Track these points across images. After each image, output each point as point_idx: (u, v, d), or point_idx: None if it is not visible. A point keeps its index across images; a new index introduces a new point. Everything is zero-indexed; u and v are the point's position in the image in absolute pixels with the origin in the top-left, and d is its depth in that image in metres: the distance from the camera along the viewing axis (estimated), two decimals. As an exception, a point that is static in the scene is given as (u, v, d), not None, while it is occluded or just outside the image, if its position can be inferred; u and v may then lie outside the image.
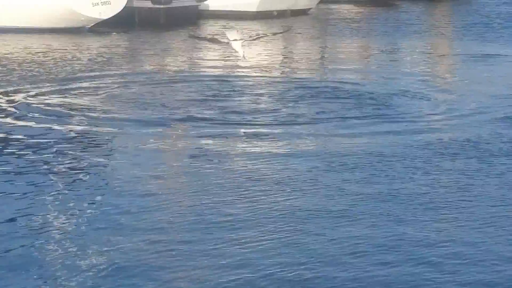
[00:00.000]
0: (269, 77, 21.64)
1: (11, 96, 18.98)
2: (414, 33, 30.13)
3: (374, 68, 24.17)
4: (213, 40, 18.29)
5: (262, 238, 10.15)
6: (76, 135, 15.75)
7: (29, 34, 27.61)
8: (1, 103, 18.43)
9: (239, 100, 18.21)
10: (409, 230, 10.45)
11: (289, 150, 14.95)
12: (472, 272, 9.27)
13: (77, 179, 13.07)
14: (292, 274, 9.03)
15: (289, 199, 11.41)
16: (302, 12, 32.87)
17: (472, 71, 22.80)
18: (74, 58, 23.84)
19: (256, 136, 15.43)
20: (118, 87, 19.64)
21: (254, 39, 17.67)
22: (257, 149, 14.57)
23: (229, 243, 9.90)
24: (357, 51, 26.91)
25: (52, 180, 12.99)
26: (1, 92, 19.37)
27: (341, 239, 10.18)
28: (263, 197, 11.44)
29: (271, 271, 9.02)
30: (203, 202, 11.60)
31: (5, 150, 14.40)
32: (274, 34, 18.26)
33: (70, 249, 9.85)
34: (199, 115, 16.80)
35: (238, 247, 9.66)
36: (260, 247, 9.78)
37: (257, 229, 10.41)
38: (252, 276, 9.06)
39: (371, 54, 26.57)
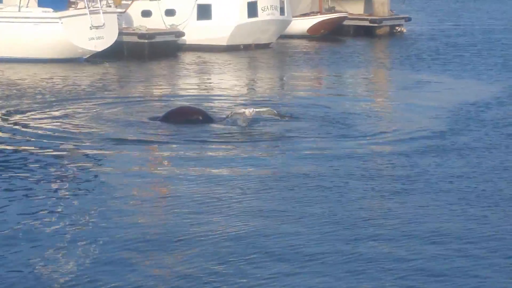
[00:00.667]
0: (238, 100, 21.54)
1: (18, 115, 19.14)
2: (358, 63, 30.05)
3: (324, 92, 24.42)
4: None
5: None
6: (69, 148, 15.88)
7: (34, 64, 27.33)
8: (8, 120, 18.52)
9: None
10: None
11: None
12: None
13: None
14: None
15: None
16: (265, 46, 32.83)
17: (406, 95, 22.86)
18: (73, 83, 24.07)
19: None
20: (108, 108, 19.72)
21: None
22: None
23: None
24: (310, 78, 27.12)
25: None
26: (11, 110, 19.62)
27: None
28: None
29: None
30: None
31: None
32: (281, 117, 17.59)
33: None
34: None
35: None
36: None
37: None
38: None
39: (321, 81, 26.80)
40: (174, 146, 15.98)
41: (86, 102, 21.11)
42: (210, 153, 15.62)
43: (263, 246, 10.26)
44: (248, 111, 16.90)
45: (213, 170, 14.15)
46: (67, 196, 12.69)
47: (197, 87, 25.17)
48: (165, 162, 15.02)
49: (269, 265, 9.62)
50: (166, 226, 11.12)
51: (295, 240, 10.62)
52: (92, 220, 11.52)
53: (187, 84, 25.36)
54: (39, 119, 18.73)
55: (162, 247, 10.20)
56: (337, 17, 38.07)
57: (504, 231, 11.37)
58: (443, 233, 11.09)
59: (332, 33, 37.73)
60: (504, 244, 10.82)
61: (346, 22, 38.35)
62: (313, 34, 37.16)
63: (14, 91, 22.98)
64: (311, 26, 37.27)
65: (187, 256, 9.89)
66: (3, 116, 19.08)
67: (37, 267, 9.51)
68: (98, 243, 10.45)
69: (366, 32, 38.51)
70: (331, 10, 38.82)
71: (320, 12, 37.98)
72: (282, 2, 33.01)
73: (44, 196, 12.56)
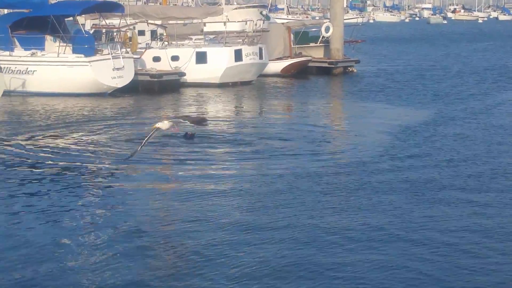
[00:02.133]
0: (224, 126, 21.77)
1: (57, 134, 19.45)
2: (320, 95, 30.26)
3: (294, 118, 24.62)
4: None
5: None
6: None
7: (69, 97, 27.26)
8: (45, 138, 18.89)
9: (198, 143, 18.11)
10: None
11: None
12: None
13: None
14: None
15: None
16: (248, 83, 33.06)
17: (356, 120, 23.06)
18: (101, 112, 24.23)
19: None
20: (125, 131, 20.08)
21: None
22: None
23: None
24: (282, 107, 27.45)
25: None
26: (49, 134, 19.73)
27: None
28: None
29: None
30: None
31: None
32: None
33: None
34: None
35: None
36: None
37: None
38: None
39: (292, 109, 27.06)
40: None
41: (110, 124, 21.56)
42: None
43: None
44: (165, 123, 14.86)
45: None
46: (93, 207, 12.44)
47: (195, 113, 25.46)
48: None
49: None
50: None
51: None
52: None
53: (188, 111, 25.64)
54: (72, 137, 19.10)
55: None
56: (304, 60, 38.35)
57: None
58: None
59: (300, 72, 37.89)
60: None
61: (310, 64, 38.54)
62: (285, 73, 37.39)
63: (54, 116, 23.28)
64: (284, 67, 37.50)
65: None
66: (41, 136, 19.35)
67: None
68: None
69: (325, 72, 38.64)
70: (299, 55, 39.06)
71: (290, 57, 38.16)
72: (260, 49, 33.24)
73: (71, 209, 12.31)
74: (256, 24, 33.67)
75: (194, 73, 31.54)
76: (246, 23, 33.67)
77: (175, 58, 31.94)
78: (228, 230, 11.08)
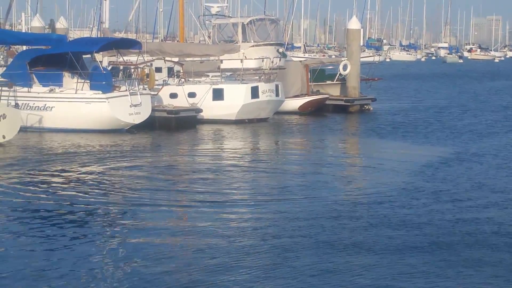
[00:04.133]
0: (244, 157, 22.41)
1: (77, 169, 19.73)
2: (336, 133, 30.35)
3: (312, 154, 24.64)
4: None
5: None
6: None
7: (87, 133, 27.17)
8: (65, 173, 19.18)
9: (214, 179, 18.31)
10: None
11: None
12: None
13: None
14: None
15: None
16: (264, 120, 33.03)
17: (375, 159, 22.62)
18: (118, 148, 24.17)
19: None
20: (143, 168, 20.29)
21: None
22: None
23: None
24: (300, 143, 27.42)
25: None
26: (69, 165, 20.29)
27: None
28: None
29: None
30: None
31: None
32: None
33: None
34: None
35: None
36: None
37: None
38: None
39: (308, 146, 26.88)
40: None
41: (128, 161, 21.63)
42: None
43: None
44: None
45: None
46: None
47: (212, 148, 25.75)
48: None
49: None
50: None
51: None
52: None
53: (205, 148, 25.83)
54: (94, 172, 19.22)
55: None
56: (321, 98, 38.34)
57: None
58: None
59: (317, 110, 37.80)
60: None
61: (327, 102, 38.45)
62: (303, 110, 37.36)
63: (74, 151, 23.42)
64: (302, 105, 37.46)
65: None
66: (65, 168, 19.60)
67: None
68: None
69: (342, 110, 38.60)
70: (316, 92, 39.03)
71: (308, 94, 38.10)
72: (277, 86, 33.32)
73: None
74: (272, 62, 33.66)
75: (210, 109, 31.58)
76: (262, 61, 33.68)
77: (192, 94, 31.97)
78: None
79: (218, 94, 31.96)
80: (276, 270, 10.82)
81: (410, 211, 14.78)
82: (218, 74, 33.97)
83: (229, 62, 34.31)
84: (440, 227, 13.56)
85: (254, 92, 32.20)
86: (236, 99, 32.06)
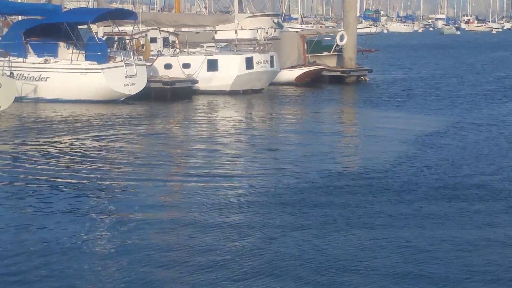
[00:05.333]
0: (236, 131, 22.11)
1: (72, 138, 19.77)
2: (333, 103, 30.26)
3: (308, 123, 24.69)
4: None
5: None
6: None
7: (81, 104, 27.14)
8: (62, 143, 19.27)
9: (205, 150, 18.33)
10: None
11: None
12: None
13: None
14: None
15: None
16: (258, 91, 32.86)
17: (369, 127, 22.98)
18: (113, 118, 24.10)
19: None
20: (135, 137, 20.33)
21: None
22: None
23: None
24: (294, 115, 27.24)
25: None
26: (65, 135, 20.30)
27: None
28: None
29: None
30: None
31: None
32: None
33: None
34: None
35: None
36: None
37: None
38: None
39: (302, 117, 26.79)
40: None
41: (123, 130, 21.62)
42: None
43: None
44: None
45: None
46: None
47: (206, 119, 25.66)
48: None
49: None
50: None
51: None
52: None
53: (199, 118, 25.80)
54: (88, 143, 19.22)
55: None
56: (318, 68, 38.16)
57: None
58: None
59: (313, 81, 37.63)
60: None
61: (323, 73, 38.28)
62: (299, 81, 37.23)
63: (70, 121, 23.37)
64: (298, 75, 37.31)
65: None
66: (60, 139, 19.58)
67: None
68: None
69: (338, 81, 38.47)
70: (313, 63, 38.83)
71: (304, 65, 37.94)
72: (272, 57, 33.14)
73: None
74: (267, 32, 33.49)
75: (205, 80, 31.46)
76: (257, 31, 33.51)
77: (186, 65, 31.84)
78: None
79: (212, 65, 31.84)
80: (271, 244, 10.84)
81: (407, 179, 14.76)
82: (213, 44, 33.82)
83: (224, 32, 34.10)
84: (434, 196, 13.56)
85: (249, 63, 32.04)
86: (230, 70, 31.92)
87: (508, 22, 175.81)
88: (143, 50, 30.53)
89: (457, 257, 10.09)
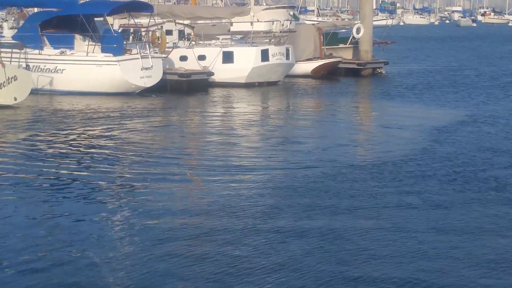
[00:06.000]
0: (252, 123, 22.08)
1: (90, 130, 19.91)
2: (349, 95, 30.11)
3: (324, 115, 24.83)
4: None
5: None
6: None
7: (97, 96, 27.12)
8: (79, 134, 19.40)
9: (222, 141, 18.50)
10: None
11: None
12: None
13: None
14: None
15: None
16: (274, 83, 32.77)
17: (385, 119, 22.93)
18: (129, 110, 24.12)
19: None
20: (152, 129, 20.47)
21: None
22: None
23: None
24: (311, 106, 27.32)
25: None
26: (82, 127, 20.40)
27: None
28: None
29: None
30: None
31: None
32: None
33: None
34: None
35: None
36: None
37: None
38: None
39: (320, 108, 26.94)
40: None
41: (139, 123, 21.66)
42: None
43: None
44: None
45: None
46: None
47: (223, 111, 25.66)
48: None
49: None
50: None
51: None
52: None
53: (215, 111, 25.75)
54: (103, 135, 19.23)
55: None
56: (334, 61, 38.05)
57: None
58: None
59: (329, 73, 37.49)
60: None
61: (339, 65, 38.15)
62: (316, 74, 37.12)
63: (85, 113, 23.35)
64: (314, 68, 37.21)
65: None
66: (75, 131, 19.66)
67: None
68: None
69: (354, 73, 38.29)
70: (329, 56, 38.70)
71: (320, 57, 37.80)
72: (287, 50, 33.04)
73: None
74: (283, 25, 33.36)
75: (220, 72, 31.35)
76: (273, 24, 33.32)
77: (201, 57, 31.75)
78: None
79: (228, 57, 31.74)
80: (288, 236, 10.77)
81: (425, 171, 14.68)
82: (228, 37, 33.67)
83: (239, 25, 33.94)
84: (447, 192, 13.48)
85: (264, 55, 31.91)
86: (246, 62, 31.81)
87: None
88: (159, 42, 30.50)
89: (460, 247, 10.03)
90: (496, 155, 16.84)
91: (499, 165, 15.68)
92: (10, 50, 27.22)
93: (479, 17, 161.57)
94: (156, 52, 29.63)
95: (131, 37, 30.51)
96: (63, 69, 28.36)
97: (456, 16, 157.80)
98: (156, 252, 9.73)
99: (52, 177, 14.14)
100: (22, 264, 9.25)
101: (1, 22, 35.47)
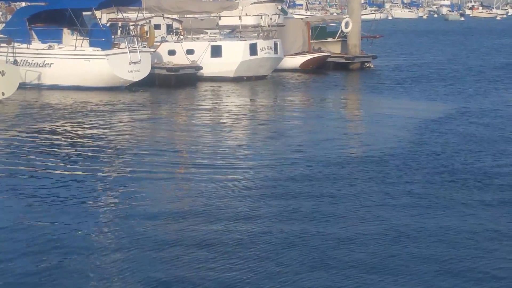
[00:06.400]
0: (240, 118, 22.11)
1: (77, 123, 19.84)
2: (337, 89, 30.12)
3: (312, 108, 24.78)
4: None
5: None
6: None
7: (86, 90, 26.98)
8: (67, 127, 19.39)
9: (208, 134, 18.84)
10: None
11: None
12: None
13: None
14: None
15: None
16: (262, 77, 32.69)
17: (374, 114, 22.76)
18: (117, 104, 24.11)
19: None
20: (138, 124, 20.38)
21: None
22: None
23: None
24: (300, 100, 27.26)
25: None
26: (70, 120, 20.36)
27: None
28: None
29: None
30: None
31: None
32: None
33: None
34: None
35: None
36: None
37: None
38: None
39: (309, 102, 26.88)
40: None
41: (126, 117, 21.78)
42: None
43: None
44: None
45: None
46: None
47: (211, 105, 25.58)
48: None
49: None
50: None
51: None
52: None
53: (203, 105, 25.64)
54: (92, 130, 19.21)
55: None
56: (323, 55, 38.03)
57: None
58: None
59: (318, 67, 37.47)
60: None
61: (328, 60, 38.06)
62: (304, 68, 37.11)
63: (74, 107, 23.27)
64: (303, 62, 37.18)
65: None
66: (64, 125, 19.63)
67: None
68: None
69: (342, 67, 38.30)
70: (317, 50, 38.67)
71: (309, 52, 37.80)
72: (276, 44, 32.98)
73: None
74: (271, 19, 33.32)
75: (209, 67, 31.31)
76: (261, 18, 33.29)
77: (190, 51, 31.71)
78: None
79: (216, 51, 31.69)
80: (274, 232, 10.75)
81: (408, 164, 14.72)
82: (217, 31, 33.64)
83: (228, 19, 33.89)
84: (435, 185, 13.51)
85: (253, 49, 31.87)
86: (234, 56, 31.78)
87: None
88: (147, 36, 30.41)
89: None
90: (483, 148, 16.89)
91: (486, 159, 15.72)
92: (-2, 44, 27.17)
93: (467, 11, 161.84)
94: (145, 47, 29.55)
95: (119, 31, 30.38)
96: (51, 63, 28.24)
97: (444, 10, 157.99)
98: (134, 253, 9.63)
99: (35, 173, 14.02)
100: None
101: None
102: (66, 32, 29.32)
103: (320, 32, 40.36)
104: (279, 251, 9.66)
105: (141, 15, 30.93)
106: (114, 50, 28.23)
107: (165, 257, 9.38)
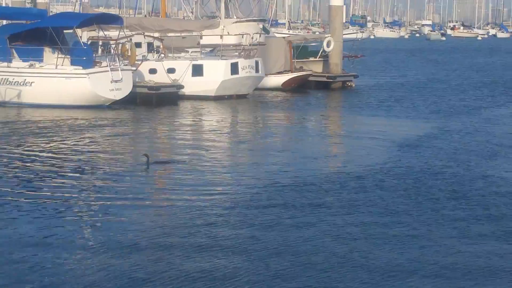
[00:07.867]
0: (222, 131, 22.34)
1: (60, 140, 19.85)
2: (318, 109, 30.29)
3: (293, 127, 24.87)
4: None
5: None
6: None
7: (67, 109, 26.76)
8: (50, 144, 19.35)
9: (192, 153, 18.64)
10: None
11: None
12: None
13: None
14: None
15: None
16: (243, 96, 32.68)
17: (354, 133, 22.99)
18: (98, 122, 24.14)
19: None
20: (122, 139, 20.60)
21: None
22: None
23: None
24: (279, 119, 27.30)
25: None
26: (53, 138, 20.31)
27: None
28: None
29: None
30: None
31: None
32: None
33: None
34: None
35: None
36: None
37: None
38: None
39: (289, 120, 26.95)
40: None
41: (105, 135, 21.72)
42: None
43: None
44: None
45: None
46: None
47: (193, 123, 25.61)
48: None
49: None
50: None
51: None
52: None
53: (185, 123, 25.55)
54: (75, 143, 19.49)
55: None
56: (304, 74, 38.11)
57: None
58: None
59: (299, 86, 37.47)
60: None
61: (309, 78, 38.10)
62: (286, 87, 37.13)
63: (51, 127, 23.09)
64: (285, 81, 37.24)
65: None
66: (41, 144, 19.52)
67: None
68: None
69: (324, 86, 38.34)
70: (299, 69, 38.74)
71: (291, 71, 37.83)
72: (257, 63, 33.01)
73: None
74: (252, 38, 33.37)
75: (190, 85, 31.22)
76: (242, 37, 33.34)
77: (171, 70, 31.63)
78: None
79: (197, 70, 31.62)
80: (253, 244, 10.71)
81: (387, 182, 14.73)
82: (198, 49, 33.52)
83: (209, 38, 33.87)
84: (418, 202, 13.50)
85: (234, 68, 31.84)
86: (215, 75, 31.73)
87: (493, 28, 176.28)
88: (129, 55, 30.21)
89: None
90: (462, 167, 16.97)
91: (460, 176, 15.84)
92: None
93: (449, 31, 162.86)
94: (126, 65, 29.42)
95: (100, 50, 30.35)
96: (32, 82, 28.07)
97: (426, 30, 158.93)
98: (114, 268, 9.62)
99: (10, 192, 13.86)
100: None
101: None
102: (47, 51, 29.18)
103: (302, 51, 40.45)
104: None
105: (122, 33, 30.87)
106: (96, 69, 28.13)
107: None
